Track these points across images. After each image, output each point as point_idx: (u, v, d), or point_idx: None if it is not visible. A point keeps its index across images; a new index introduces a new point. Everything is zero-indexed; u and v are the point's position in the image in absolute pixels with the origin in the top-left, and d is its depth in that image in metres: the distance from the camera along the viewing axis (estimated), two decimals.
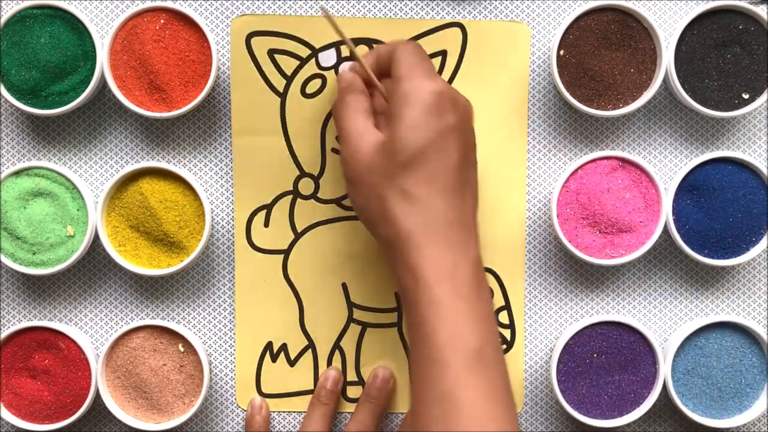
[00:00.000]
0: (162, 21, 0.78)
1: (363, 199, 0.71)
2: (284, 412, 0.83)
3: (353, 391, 0.83)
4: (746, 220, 0.79)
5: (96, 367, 0.79)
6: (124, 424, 0.81)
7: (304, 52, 0.82)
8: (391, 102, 0.71)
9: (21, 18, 0.78)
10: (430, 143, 0.68)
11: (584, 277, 0.83)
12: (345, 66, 0.79)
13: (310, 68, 0.82)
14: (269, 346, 0.83)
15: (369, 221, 0.72)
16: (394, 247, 0.69)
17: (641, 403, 0.80)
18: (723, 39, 0.78)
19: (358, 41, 0.82)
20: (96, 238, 0.80)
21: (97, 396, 0.80)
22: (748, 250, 0.80)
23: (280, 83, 0.82)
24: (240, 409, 0.84)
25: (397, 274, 0.70)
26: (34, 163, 0.79)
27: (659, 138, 0.82)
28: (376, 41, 0.82)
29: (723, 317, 0.80)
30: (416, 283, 0.67)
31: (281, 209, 0.83)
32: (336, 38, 0.81)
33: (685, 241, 0.79)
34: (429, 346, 0.66)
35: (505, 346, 0.83)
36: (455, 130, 0.70)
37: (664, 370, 0.79)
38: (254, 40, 0.81)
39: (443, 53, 0.82)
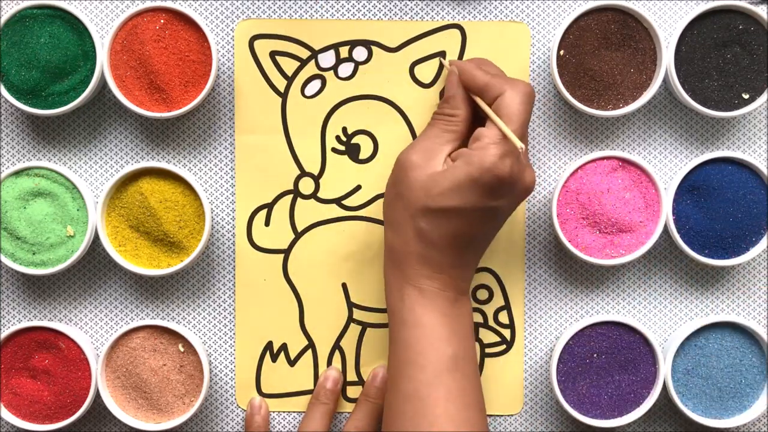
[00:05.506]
0: (162, 21, 0.78)
1: (393, 198, 0.74)
2: (284, 412, 0.83)
3: (353, 391, 0.83)
4: (746, 220, 0.79)
5: (96, 367, 0.79)
6: (124, 424, 0.81)
7: (304, 53, 0.82)
8: (471, 145, 0.72)
9: (21, 18, 0.78)
10: (461, 211, 0.70)
11: (584, 277, 0.83)
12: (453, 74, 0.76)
13: (310, 69, 0.82)
14: (269, 346, 0.83)
15: (388, 219, 0.75)
16: (394, 257, 0.74)
17: (641, 403, 0.80)
18: (723, 39, 0.78)
19: (356, 43, 0.82)
20: (96, 238, 0.80)
21: (97, 396, 0.80)
22: (748, 250, 0.80)
23: (281, 83, 0.82)
24: (240, 409, 0.83)
25: (388, 281, 0.75)
26: (34, 163, 0.79)
27: (659, 138, 0.82)
28: (375, 43, 0.82)
29: (723, 317, 0.80)
30: (403, 295, 0.73)
31: (282, 208, 0.83)
32: (334, 40, 0.82)
33: (685, 241, 0.79)
34: (407, 349, 0.72)
35: (505, 346, 0.83)
36: (496, 210, 0.72)
37: (664, 370, 0.79)
38: (257, 43, 0.82)
39: (442, 54, 0.82)
